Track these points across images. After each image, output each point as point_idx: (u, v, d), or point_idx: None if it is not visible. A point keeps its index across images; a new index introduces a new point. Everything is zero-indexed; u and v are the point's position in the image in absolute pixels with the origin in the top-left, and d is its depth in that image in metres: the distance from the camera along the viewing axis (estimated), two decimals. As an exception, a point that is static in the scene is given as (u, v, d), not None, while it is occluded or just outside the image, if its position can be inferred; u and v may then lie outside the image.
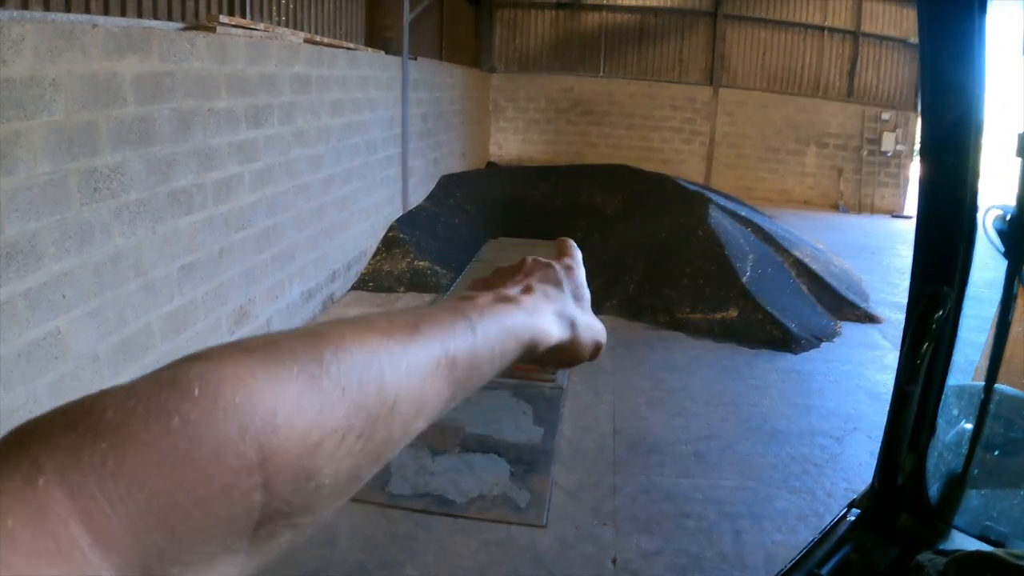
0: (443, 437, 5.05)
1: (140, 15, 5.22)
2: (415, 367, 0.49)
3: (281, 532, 0.40)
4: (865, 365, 7.12)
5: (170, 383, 0.37)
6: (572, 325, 0.69)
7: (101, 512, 0.32)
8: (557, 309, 0.68)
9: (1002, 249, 1.48)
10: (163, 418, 0.35)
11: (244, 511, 0.37)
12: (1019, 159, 1.39)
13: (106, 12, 4.89)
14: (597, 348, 0.73)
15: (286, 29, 6.93)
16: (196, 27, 5.48)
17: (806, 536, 1.59)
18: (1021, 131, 1.37)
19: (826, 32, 17.18)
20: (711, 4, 17.40)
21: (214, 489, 0.35)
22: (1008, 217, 1.44)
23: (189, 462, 0.35)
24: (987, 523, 1.58)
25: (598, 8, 17.63)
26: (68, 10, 4.54)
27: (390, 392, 0.46)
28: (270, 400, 0.39)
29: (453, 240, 10.48)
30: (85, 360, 4.12)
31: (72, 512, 0.31)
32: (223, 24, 5.59)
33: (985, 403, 1.60)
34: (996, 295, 1.56)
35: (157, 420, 0.35)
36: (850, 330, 8.13)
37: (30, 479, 0.31)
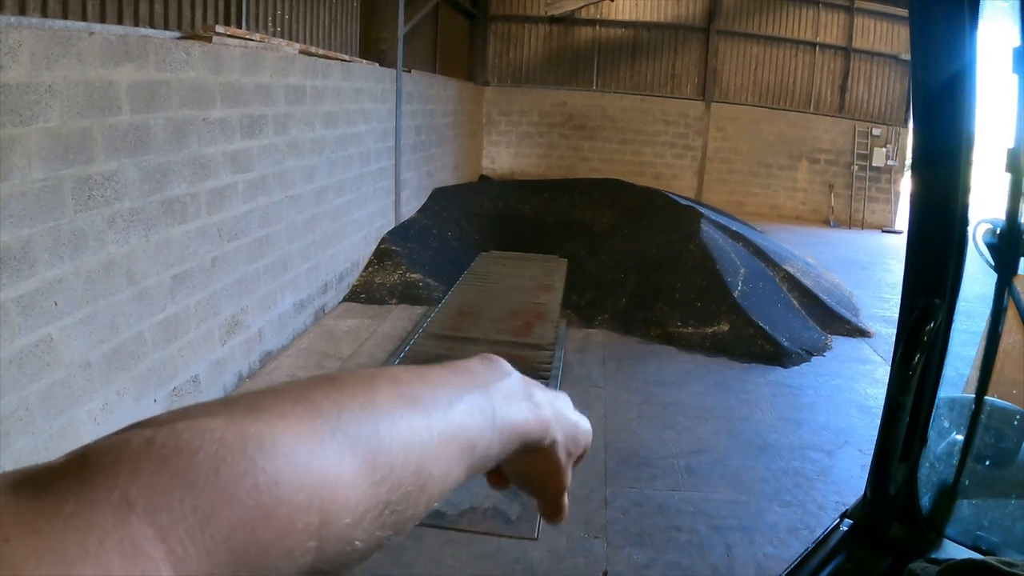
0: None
1: (137, 23, 5.24)
2: (444, 452, 0.51)
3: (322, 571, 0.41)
4: (856, 379, 7.15)
5: (256, 439, 0.38)
6: (556, 443, 0.67)
7: (188, 559, 0.33)
8: (557, 416, 0.67)
9: (992, 263, 1.50)
10: (251, 475, 0.37)
11: (296, 569, 0.38)
12: (1008, 174, 1.41)
13: (103, 20, 4.91)
14: (581, 455, 0.71)
15: (282, 40, 6.95)
16: (192, 36, 5.50)
17: (797, 549, 1.60)
18: (1010, 147, 1.39)
19: (818, 48, 17.33)
20: (704, 19, 17.52)
21: (281, 549, 0.37)
22: (998, 231, 1.46)
23: (268, 523, 0.36)
24: (978, 532, 1.59)
25: (591, 23, 17.73)
26: (65, 17, 4.55)
27: (424, 472, 0.48)
28: (335, 472, 0.41)
29: (445, 253, 10.49)
30: (77, 368, 4.11)
31: (163, 555, 0.32)
32: (219, 34, 5.60)
33: (976, 414, 1.61)
34: (985, 309, 1.58)
35: (245, 475, 0.36)
36: (841, 344, 8.17)
37: (122, 516, 0.32)
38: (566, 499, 0.71)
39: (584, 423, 0.71)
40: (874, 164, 17.33)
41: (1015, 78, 1.36)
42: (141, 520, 0.32)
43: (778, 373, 7.21)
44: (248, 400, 0.43)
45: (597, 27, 17.81)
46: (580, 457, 0.71)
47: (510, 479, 0.69)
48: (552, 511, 0.71)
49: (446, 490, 0.52)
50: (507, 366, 0.66)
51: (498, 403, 0.59)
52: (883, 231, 16.64)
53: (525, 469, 0.67)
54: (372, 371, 0.52)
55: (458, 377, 0.59)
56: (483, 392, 0.59)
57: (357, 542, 0.43)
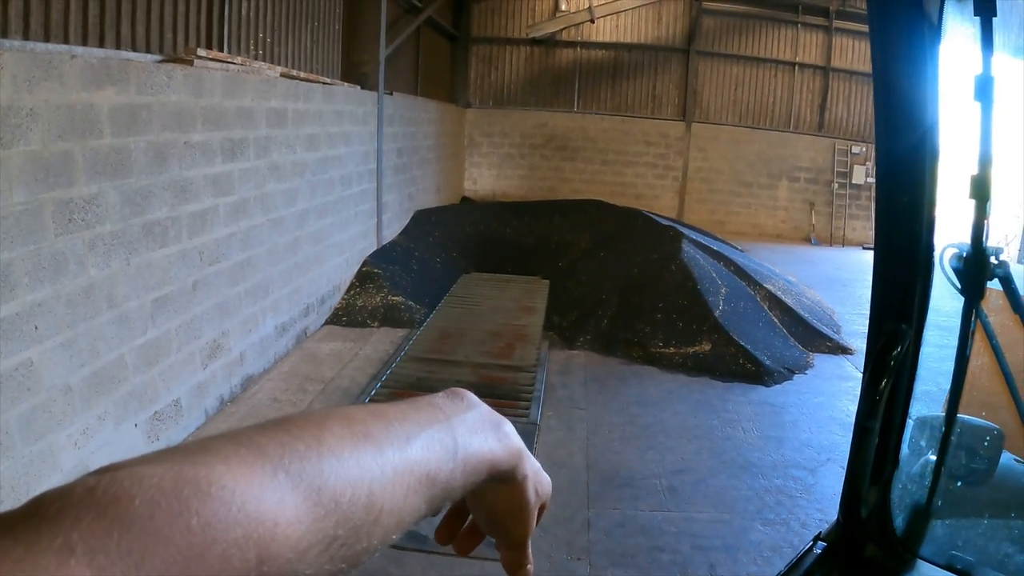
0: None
1: (119, 46, 5.24)
2: (400, 485, 0.53)
3: None
4: (838, 396, 7.19)
5: (192, 483, 0.41)
6: (525, 476, 0.67)
7: None
8: (523, 453, 0.68)
9: (959, 287, 1.52)
10: (184, 517, 0.39)
11: None
12: (973, 200, 1.44)
13: (85, 42, 4.91)
14: (542, 506, 0.71)
15: (263, 63, 6.97)
16: (174, 60, 5.51)
17: (781, 567, 1.61)
18: (973, 174, 1.42)
19: (797, 68, 17.52)
20: (684, 41, 17.68)
21: (214, 570, 0.39)
22: (964, 256, 1.49)
23: (201, 561, 0.38)
24: (953, 552, 1.61)
25: (572, 45, 17.85)
26: (47, 40, 4.56)
27: (376, 506, 0.50)
28: (273, 511, 0.43)
29: (427, 275, 10.49)
30: (57, 392, 4.08)
31: None
32: (200, 57, 5.62)
33: (947, 435, 1.63)
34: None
35: (178, 517, 0.38)
36: (823, 362, 8.22)
37: (63, 559, 0.34)
38: (530, 549, 0.71)
39: (545, 475, 0.71)
40: (854, 182, 17.53)
41: (977, 105, 1.39)
42: (80, 563, 0.34)
43: (760, 392, 7.24)
44: (197, 445, 0.45)
45: (578, 49, 17.92)
46: (543, 509, 0.71)
47: (476, 517, 0.70)
48: (516, 558, 0.71)
49: (406, 522, 0.54)
50: (473, 399, 0.67)
51: (460, 434, 0.60)
52: (864, 248, 16.76)
53: (493, 505, 0.67)
54: (327, 411, 0.54)
55: (419, 412, 0.60)
56: (445, 425, 0.60)
57: (310, 561, 0.44)
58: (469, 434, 0.61)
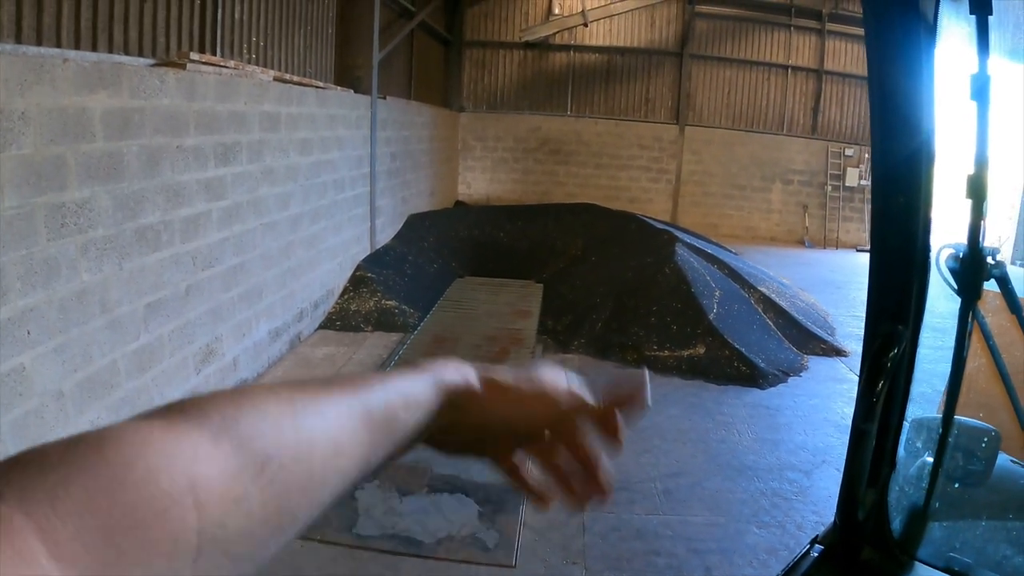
0: (411, 478, 5.02)
1: (111, 50, 5.22)
2: (327, 411, 0.56)
3: (222, 561, 0.45)
4: (832, 398, 7.19)
5: (107, 431, 0.44)
6: (486, 373, 0.73)
7: (54, 528, 0.37)
8: (472, 366, 0.73)
9: (955, 288, 1.52)
10: (102, 451, 0.42)
11: (183, 532, 0.42)
12: (969, 200, 1.43)
13: (77, 46, 4.90)
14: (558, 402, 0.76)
15: (256, 67, 6.96)
16: (166, 63, 5.49)
17: (777, 570, 1.60)
18: (970, 173, 1.41)
19: (790, 70, 17.57)
20: (677, 44, 17.72)
21: (152, 510, 0.41)
22: (960, 256, 1.48)
23: (127, 486, 0.40)
24: (951, 554, 1.60)
25: (566, 48, 17.87)
26: (39, 43, 4.54)
27: (304, 429, 0.53)
28: (194, 440, 0.46)
29: (421, 279, 10.48)
30: (49, 397, 4.06)
31: (31, 529, 0.36)
32: (193, 61, 5.60)
33: (944, 436, 1.63)
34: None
35: (97, 453, 0.42)
36: (817, 364, 8.22)
37: None
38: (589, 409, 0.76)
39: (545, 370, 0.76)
40: (847, 184, 17.58)
41: (973, 104, 1.38)
42: (11, 507, 0.36)
43: (755, 394, 7.24)
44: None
45: (571, 52, 17.95)
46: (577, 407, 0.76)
47: (493, 429, 0.74)
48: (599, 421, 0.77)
49: (353, 451, 0.57)
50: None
51: (381, 377, 0.65)
52: (857, 250, 16.81)
53: (498, 418, 0.73)
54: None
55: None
56: (362, 374, 0.66)
57: (251, 499, 0.47)
58: (396, 370, 0.67)
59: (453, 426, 0.70)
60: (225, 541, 0.45)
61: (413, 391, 0.65)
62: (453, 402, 0.68)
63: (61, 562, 0.36)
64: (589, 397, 0.76)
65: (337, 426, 0.56)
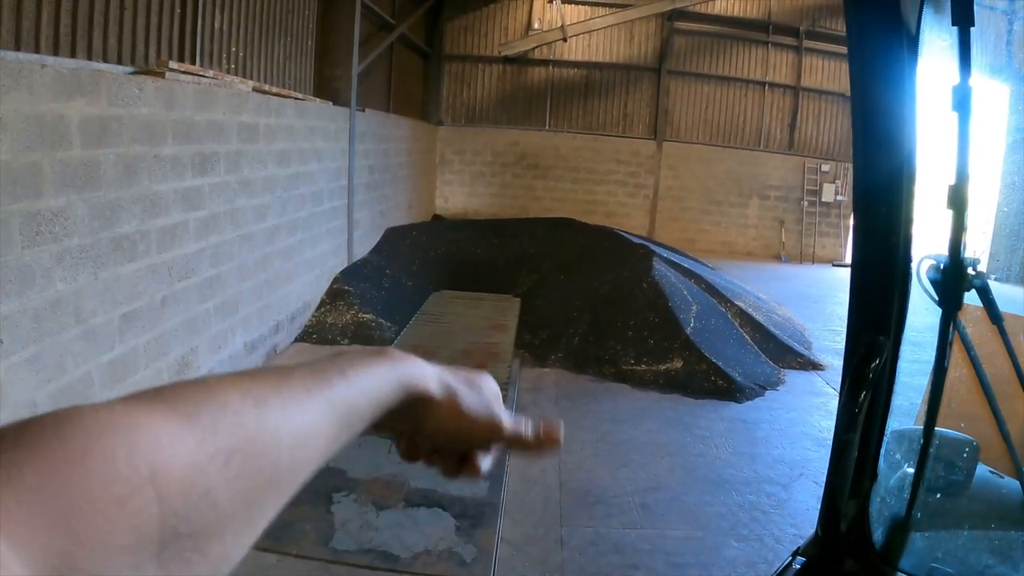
0: (387, 491, 4.99)
1: (90, 57, 5.18)
2: (292, 403, 0.55)
3: (190, 557, 0.43)
4: (810, 412, 7.23)
5: (64, 413, 0.42)
6: (451, 388, 0.73)
7: (9, 512, 0.35)
8: (437, 371, 0.73)
9: (936, 299, 1.53)
10: (59, 434, 0.40)
11: (144, 522, 0.40)
12: (950, 211, 1.44)
13: (56, 52, 4.85)
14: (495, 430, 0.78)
15: (235, 77, 6.93)
16: (145, 72, 5.46)
17: (755, 583, 1.60)
18: (952, 183, 1.42)
19: (767, 87, 17.74)
20: (655, 60, 17.84)
21: (110, 497, 0.39)
22: (941, 267, 1.49)
23: (84, 471, 0.39)
24: (933, 565, 1.61)
25: (544, 63, 17.94)
26: (17, 49, 4.49)
27: (269, 421, 0.52)
28: (156, 427, 0.44)
29: (398, 293, 10.45)
30: (22, 408, 4.00)
31: None
32: (172, 70, 5.57)
33: (925, 447, 1.63)
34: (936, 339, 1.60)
35: (54, 436, 0.40)
36: (794, 378, 8.27)
37: None
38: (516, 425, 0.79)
39: (479, 373, 0.79)
40: (823, 199, 17.76)
41: (955, 115, 1.39)
42: None
43: (732, 408, 7.26)
44: None
45: (550, 67, 18.03)
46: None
47: (437, 441, 0.76)
48: (513, 439, 0.79)
49: (318, 442, 0.57)
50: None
51: (349, 361, 0.65)
52: (833, 265, 16.97)
53: (442, 423, 0.73)
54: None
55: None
56: (332, 356, 0.65)
57: (216, 492, 0.45)
58: (360, 358, 0.66)
59: (400, 422, 0.71)
60: (192, 535, 0.43)
61: (378, 391, 0.65)
62: (412, 407, 0.69)
63: (16, 547, 0.34)
64: (525, 429, 0.80)
65: (301, 419, 0.55)
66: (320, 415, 0.57)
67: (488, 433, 0.76)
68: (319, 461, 0.57)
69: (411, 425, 0.73)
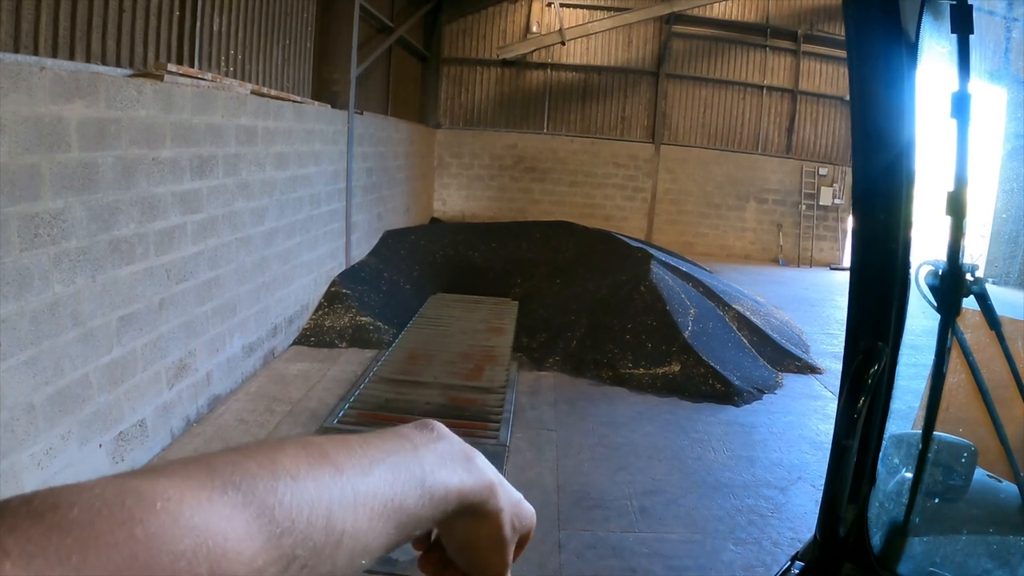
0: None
1: (89, 59, 5.18)
2: (363, 508, 0.52)
3: None
4: (807, 415, 7.23)
5: (135, 492, 0.40)
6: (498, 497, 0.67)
7: None
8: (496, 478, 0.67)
9: (935, 304, 1.53)
10: (127, 525, 0.37)
11: None
12: (949, 217, 1.45)
13: (55, 55, 4.85)
14: (525, 537, 0.71)
15: (234, 80, 6.93)
16: (144, 74, 5.46)
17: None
18: (950, 190, 1.42)
19: (765, 90, 17.76)
20: (653, 63, 17.85)
21: (163, 570, 0.37)
22: (940, 273, 1.49)
23: (146, 570, 0.37)
24: (931, 569, 1.61)
25: (543, 66, 17.95)
26: (16, 51, 4.49)
27: (336, 528, 0.49)
28: (223, 526, 0.42)
29: (396, 296, 10.45)
30: (20, 410, 4.00)
31: None
32: (171, 72, 5.57)
33: (923, 452, 1.64)
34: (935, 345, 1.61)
35: (121, 526, 0.37)
36: (792, 381, 8.27)
37: None
38: None
39: (527, 504, 0.71)
40: (821, 203, 17.79)
41: (954, 122, 1.40)
42: (16, 566, 0.33)
43: (730, 412, 7.26)
44: (148, 466, 0.45)
45: (548, 71, 18.04)
46: (524, 540, 0.70)
47: (450, 551, 0.68)
48: None
49: (371, 548, 0.53)
50: (444, 430, 0.66)
51: (428, 463, 0.60)
52: (831, 268, 17.00)
53: (466, 537, 0.66)
54: (285, 438, 0.54)
55: (384, 440, 0.60)
56: (412, 453, 0.60)
57: None
58: (438, 463, 0.61)
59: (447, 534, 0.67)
60: None
61: (448, 501, 0.60)
62: (460, 514, 0.63)
63: None
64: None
65: (361, 509, 0.52)
66: (389, 523, 0.54)
67: (491, 572, 0.68)
68: (368, 565, 0.54)
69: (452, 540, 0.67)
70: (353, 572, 0.51)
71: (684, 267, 11.15)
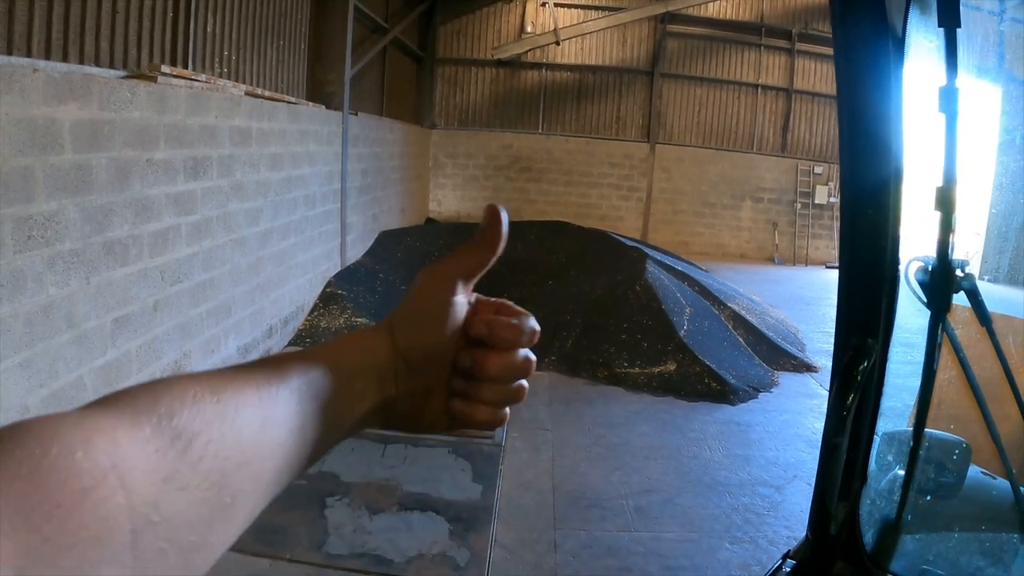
0: (380, 495, 4.98)
1: (82, 61, 5.17)
2: (249, 389, 0.55)
3: (164, 548, 0.43)
4: (803, 414, 7.24)
5: (20, 423, 0.42)
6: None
7: None
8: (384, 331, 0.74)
9: (925, 300, 1.53)
10: (16, 441, 0.40)
11: (112, 512, 0.40)
12: (938, 212, 1.44)
13: (48, 56, 4.84)
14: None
15: (227, 81, 6.92)
16: (137, 76, 5.45)
17: (747, 585, 1.60)
18: (939, 184, 1.42)
19: (760, 89, 17.78)
20: (648, 63, 17.86)
21: (73, 491, 0.39)
22: (929, 268, 1.49)
23: (43, 468, 0.39)
24: (924, 567, 1.61)
25: (538, 66, 17.95)
26: (9, 53, 4.48)
27: (229, 406, 0.51)
28: (110, 423, 0.44)
29: (391, 297, 10.43)
30: (15, 413, 3.99)
31: None
32: (164, 74, 5.56)
33: (915, 450, 1.63)
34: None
35: (11, 442, 0.40)
36: (787, 380, 8.27)
37: None
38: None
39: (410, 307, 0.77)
40: (816, 201, 17.80)
41: (942, 117, 1.39)
42: None
43: (726, 411, 7.26)
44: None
45: (543, 70, 18.04)
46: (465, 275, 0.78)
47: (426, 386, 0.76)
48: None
49: (281, 432, 0.56)
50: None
51: (309, 350, 0.65)
52: (827, 267, 17.00)
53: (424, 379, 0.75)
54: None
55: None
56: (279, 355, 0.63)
57: (184, 477, 0.45)
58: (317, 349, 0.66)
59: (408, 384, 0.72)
60: (164, 524, 0.43)
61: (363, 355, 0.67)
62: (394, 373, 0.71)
63: None
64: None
65: (261, 406, 0.54)
66: (282, 400, 0.57)
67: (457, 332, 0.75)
68: (293, 446, 0.57)
69: (419, 380, 0.74)
70: (273, 451, 0.54)
71: (679, 266, 11.16)
